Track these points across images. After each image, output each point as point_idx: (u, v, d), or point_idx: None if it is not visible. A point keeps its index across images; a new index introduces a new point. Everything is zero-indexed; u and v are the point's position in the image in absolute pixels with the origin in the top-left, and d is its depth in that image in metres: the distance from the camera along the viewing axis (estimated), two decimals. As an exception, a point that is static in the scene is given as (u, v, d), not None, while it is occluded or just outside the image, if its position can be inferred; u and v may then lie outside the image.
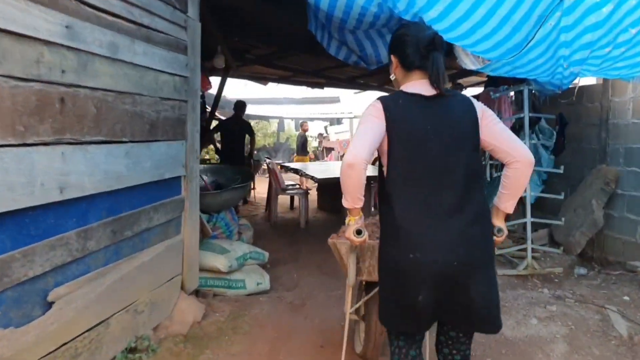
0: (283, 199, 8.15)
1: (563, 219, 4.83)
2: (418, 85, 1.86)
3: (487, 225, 1.88)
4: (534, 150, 5.34)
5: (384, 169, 1.86)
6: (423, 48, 1.84)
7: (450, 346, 1.97)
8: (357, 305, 2.70)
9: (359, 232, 1.89)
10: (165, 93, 3.09)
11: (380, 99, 1.86)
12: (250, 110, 17.58)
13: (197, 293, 3.68)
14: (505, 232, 1.98)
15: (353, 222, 1.90)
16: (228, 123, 8.58)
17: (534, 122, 5.22)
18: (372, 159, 2.17)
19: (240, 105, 8.39)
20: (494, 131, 1.87)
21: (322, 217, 7.81)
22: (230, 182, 4.85)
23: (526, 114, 4.52)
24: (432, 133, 1.80)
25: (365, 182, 1.77)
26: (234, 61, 7.06)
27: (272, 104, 18.81)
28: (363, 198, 1.83)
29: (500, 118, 3.63)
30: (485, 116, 1.88)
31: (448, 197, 1.78)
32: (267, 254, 4.41)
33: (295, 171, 7.68)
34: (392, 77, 2.00)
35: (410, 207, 1.80)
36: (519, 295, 4.10)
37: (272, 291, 4.20)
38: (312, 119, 19.58)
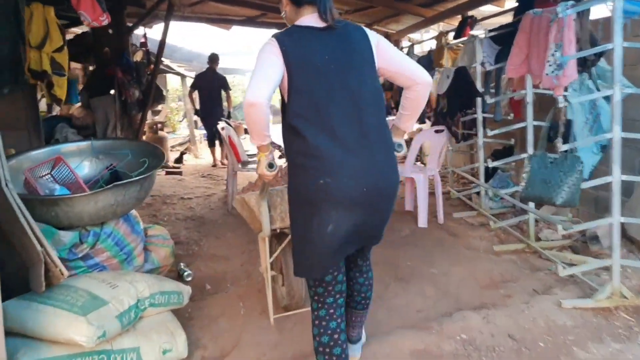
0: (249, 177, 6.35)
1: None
2: (308, 19, 1.90)
3: (392, 150, 1.98)
4: (591, 103, 3.58)
5: (287, 103, 1.87)
6: None
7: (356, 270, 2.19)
8: (274, 257, 2.71)
9: (270, 166, 1.95)
10: None
11: (274, 35, 1.87)
12: (223, 63, 15.61)
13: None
14: (405, 148, 2.16)
15: (264, 157, 1.94)
16: (203, 78, 7.99)
17: (590, 62, 3.45)
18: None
19: (214, 58, 8.02)
20: (391, 57, 1.96)
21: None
22: (136, 168, 3.04)
23: (618, 44, 2.63)
24: (330, 62, 1.84)
25: (270, 118, 1.80)
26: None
27: (248, 54, 16.72)
28: (270, 134, 1.88)
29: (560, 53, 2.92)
30: (381, 43, 1.95)
31: (354, 124, 1.83)
32: (186, 293, 2.64)
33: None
34: (283, 14, 2.03)
35: (317, 136, 1.80)
36: (612, 355, 2.42)
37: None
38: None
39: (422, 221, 4.45)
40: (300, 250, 1.94)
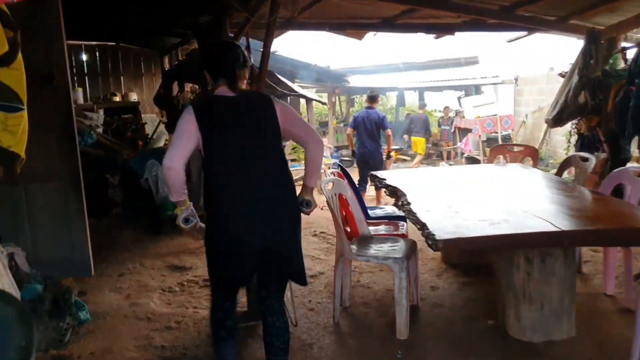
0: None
1: None
2: (222, 90, 2.24)
3: (293, 203, 2.31)
4: None
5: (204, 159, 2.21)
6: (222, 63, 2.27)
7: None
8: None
9: (186, 220, 2.29)
10: None
11: (192, 104, 2.26)
12: (358, 81, 13.80)
13: None
14: (314, 204, 2.40)
15: (180, 212, 2.30)
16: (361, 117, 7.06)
17: None
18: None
19: (374, 97, 7.27)
20: (290, 120, 2.28)
21: (454, 292, 3.73)
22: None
23: None
24: (236, 126, 2.17)
25: (184, 179, 2.19)
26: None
27: (386, 71, 14.77)
28: (186, 192, 2.24)
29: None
30: (283, 109, 2.27)
31: (257, 183, 2.17)
32: None
33: (392, 192, 3.71)
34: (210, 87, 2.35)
35: (226, 195, 2.16)
36: None
37: None
38: (439, 89, 15.11)
39: None
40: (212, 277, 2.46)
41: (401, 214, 4.10)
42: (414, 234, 3.32)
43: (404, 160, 11.70)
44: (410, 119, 11.84)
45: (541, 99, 10.26)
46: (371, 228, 3.68)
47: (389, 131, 6.97)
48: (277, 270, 2.26)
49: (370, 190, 6.92)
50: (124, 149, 6.95)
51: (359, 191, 4.24)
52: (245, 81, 2.35)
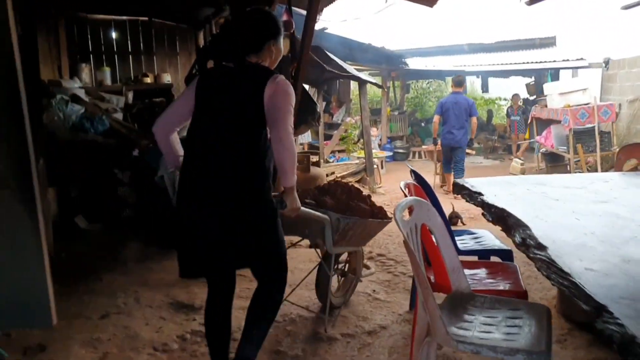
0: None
1: None
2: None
3: (248, 199, 2.04)
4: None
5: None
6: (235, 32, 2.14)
7: None
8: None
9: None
10: None
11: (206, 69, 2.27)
12: (417, 63, 12.28)
13: None
14: (290, 205, 2.06)
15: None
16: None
17: None
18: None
19: (460, 81, 7.18)
20: (272, 106, 2.00)
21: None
22: None
23: None
24: (216, 100, 2.07)
25: (174, 146, 2.19)
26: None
27: (447, 54, 13.14)
28: (178, 158, 2.18)
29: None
30: (273, 92, 2.00)
31: (208, 165, 2.04)
32: None
33: (498, 217, 2.39)
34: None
35: (184, 172, 2.10)
36: None
37: None
38: (506, 75, 13.33)
39: None
40: None
41: (501, 244, 2.80)
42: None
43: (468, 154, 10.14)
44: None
45: (642, 85, 8.51)
46: (466, 271, 2.36)
47: (475, 118, 6.84)
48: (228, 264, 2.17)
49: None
50: (143, 137, 5.87)
51: (446, 219, 2.94)
52: (273, 54, 2.15)
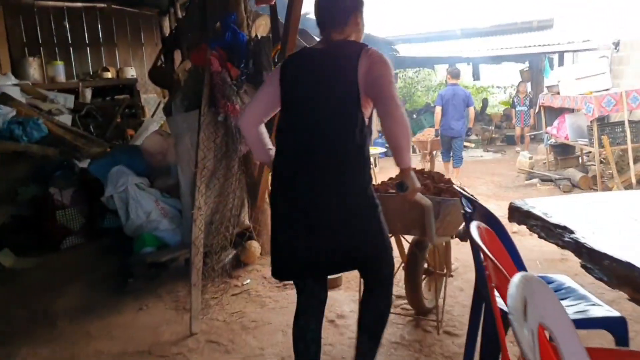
0: None
1: None
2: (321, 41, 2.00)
3: (356, 189, 1.87)
4: None
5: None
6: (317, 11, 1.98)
7: None
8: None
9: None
10: None
11: (286, 57, 2.10)
12: (408, 50, 11.35)
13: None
14: (411, 187, 1.86)
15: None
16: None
17: None
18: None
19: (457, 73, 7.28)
20: (372, 81, 1.80)
21: None
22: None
23: None
24: (305, 86, 1.89)
25: (262, 140, 2.04)
26: None
27: (439, 40, 12.19)
28: (268, 152, 2.05)
29: None
30: (369, 65, 1.82)
31: (305, 157, 1.86)
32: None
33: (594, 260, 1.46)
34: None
35: (277, 166, 1.96)
36: None
37: None
38: (499, 60, 12.43)
39: None
40: None
41: (611, 310, 1.86)
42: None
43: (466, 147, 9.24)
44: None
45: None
46: None
47: (473, 108, 7.06)
48: (328, 264, 1.90)
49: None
50: (95, 144, 4.81)
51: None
52: (359, 29, 1.97)
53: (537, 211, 2.08)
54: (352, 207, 1.83)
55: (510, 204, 2.30)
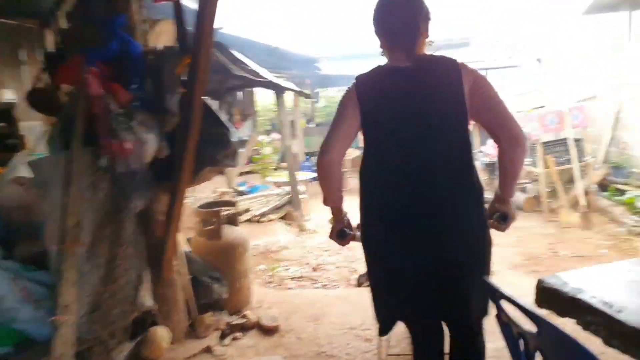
0: None
1: None
2: (395, 57, 1.72)
3: (476, 215, 1.71)
4: None
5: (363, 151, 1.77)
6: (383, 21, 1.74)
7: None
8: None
9: (342, 234, 1.82)
10: None
11: (357, 78, 1.75)
12: (331, 68, 10.76)
13: None
14: (511, 218, 1.74)
15: (335, 222, 1.84)
16: None
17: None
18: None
19: None
20: (482, 97, 1.63)
21: None
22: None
23: None
24: (400, 107, 1.68)
25: (340, 179, 1.75)
26: None
27: (365, 59, 11.76)
28: (342, 195, 1.79)
29: None
30: (475, 80, 1.64)
31: (422, 186, 1.69)
32: None
33: None
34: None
35: (376, 200, 1.77)
36: None
37: None
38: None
39: None
40: None
41: None
42: None
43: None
44: None
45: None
46: None
47: None
48: (437, 306, 1.70)
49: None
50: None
51: None
52: (424, 38, 1.69)
53: (585, 298, 1.37)
54: (473, 239, 1.67)
55: (539, 289, 1.58)
